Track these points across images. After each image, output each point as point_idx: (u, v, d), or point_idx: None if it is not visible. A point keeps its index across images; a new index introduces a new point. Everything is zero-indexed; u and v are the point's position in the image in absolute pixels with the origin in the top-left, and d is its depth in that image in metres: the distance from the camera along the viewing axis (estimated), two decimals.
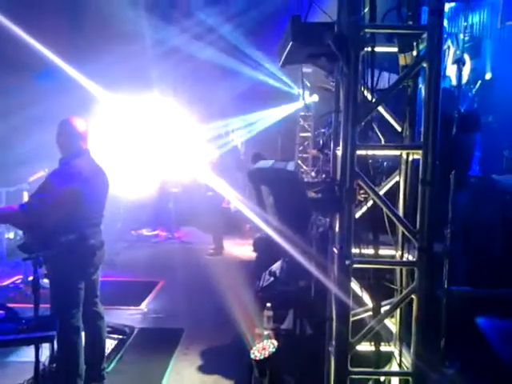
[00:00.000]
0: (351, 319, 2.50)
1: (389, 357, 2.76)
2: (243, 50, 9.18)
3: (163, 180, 9.57)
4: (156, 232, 9.75)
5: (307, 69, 7.20)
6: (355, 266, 2.47)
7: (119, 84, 7.60)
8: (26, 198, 6.50)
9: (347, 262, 2.39)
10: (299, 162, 9.52)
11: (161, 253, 8.58)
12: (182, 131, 9.65)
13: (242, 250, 8.56)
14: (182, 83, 8.69)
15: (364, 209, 2.59)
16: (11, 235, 7.49)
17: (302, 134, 9.69)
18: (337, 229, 2.54)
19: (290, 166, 2.29)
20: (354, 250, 2.53)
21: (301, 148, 9.64)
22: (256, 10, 7.79)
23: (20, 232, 5.37)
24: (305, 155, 9.48)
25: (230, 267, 7.26)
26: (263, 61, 9.47)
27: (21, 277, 6.10)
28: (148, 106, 8.95)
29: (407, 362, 2.62)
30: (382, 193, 2.62)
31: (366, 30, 2.36)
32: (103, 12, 6.72)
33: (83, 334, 3.69)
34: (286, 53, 2.38)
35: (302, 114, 9.59)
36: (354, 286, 2.60)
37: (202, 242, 9.05)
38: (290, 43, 2.20)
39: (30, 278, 5.76)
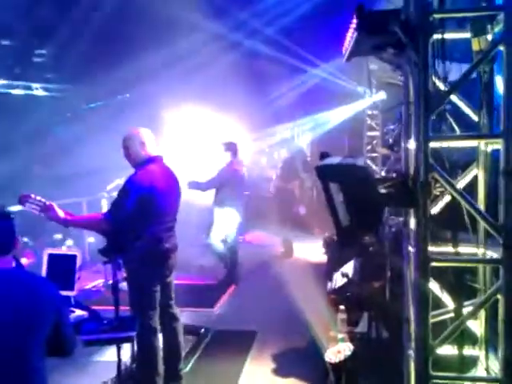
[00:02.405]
0: (431, 321, 2.38)
1: (474, 361, 2.59)
2: (303, 48, 9.12)
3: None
4: None
5: (373, 66, 7.02)
6: (434, 264, 2.34)
7: (185, 94, 7.84)
8: (104, 205, 6.86)
9: (425, 261, 2.28)
10: (368, 161, 9.28)
11: None
12: (249, 135, 9.77)
13: (312, 252, 8.48)
14: (245, 83, 8.77)
15: (441, 204, 2.47)
16: (91, 239, 7.89)
17: (369, 133, 9.44)
18: (412, 226, 2.43)
19: (360, 162, 2.22)
20: (432, 248, 2.41)
21: (369, 147, 9.39)
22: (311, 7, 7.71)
23: (100, 237, 5.67)
24: (373, 154, 9.23)
25: (300, 269, 7.22)
26: (325, 59, 9.36)
27: (102, 280, 6.41)
28: (216, 109, 9.13)
29: (495, 366, 2.45)
30: (459, 186, 2.47)
31: (435, 16, 2.24)
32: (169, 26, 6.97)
33: (161, 335, 3.80)
34: (351, 45, 2.31)
35: (369, 112, 9.35)
36: (433, 285, 2.48)
37: (271, 245, 9.07)
38: (356, 34, 2.14)
39: (111, 282, 6.09)
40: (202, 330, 5.10)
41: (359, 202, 2.06)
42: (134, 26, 7.14)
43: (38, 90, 9.23)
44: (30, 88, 9.14)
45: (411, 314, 2.54)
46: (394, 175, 6.10)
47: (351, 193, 2.05)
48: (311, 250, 8.68)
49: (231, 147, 6.60)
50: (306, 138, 11.33)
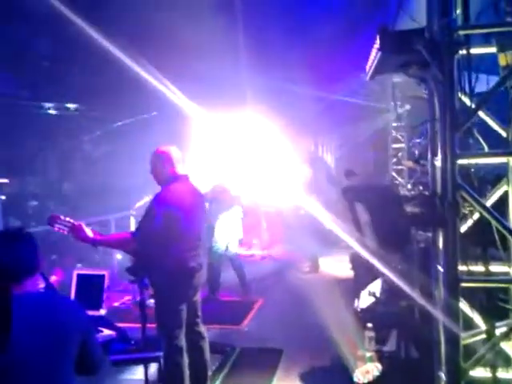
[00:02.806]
0: (462, 342, 2.31)
1: None
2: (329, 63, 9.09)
3: (255, 199, 9.71)
4: (252, 251, 9.88)
5: (397, 79, 6.98)
6: (464, 284, 2.28)
7: (214, 101, 7.89)
8: (132, 223, 6.95)
9: (455, 281, 2.22)
10: (394, 174, 9.16)
11: (257, 272, 8.63)
12: (273, 149, 9.78)
13: (339, 266, 8.37)
14: (273, 99, 8.79)
15: (470, 222, 2.41)
16: (119, 256, 7.97)
17: (394, 146, 9.34)
18: (440, 245, 2.38)
19: (386, 181, 2.19)
20: (461, 268, 2.35)
21: (394, 160, 9.28)
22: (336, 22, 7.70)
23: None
24: (399, 167, 9.12)
25: (326, 285, 7.13)
26: (349, 74, 9.33)
27: (130, 297, 6.47)
28: (241, 123, 9.18)
29: None
30: (489, 204, 2.41)
31: (460, 32, 2.21)
32: (198, 30, 7.01)
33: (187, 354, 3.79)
34: (374, 64, 2.30)
35: (394, 124, 9.26)
36: (463, 306, 2.41)
37: (296, 260, 9.01)
38: (379, 54, 2.13)
39: (138, 299, 6.15)
40: (228, 348, 5.07)
41: (386, 223, 2.03)
42: (158, 49, 7.26)
43: (69, 109, 9.50)
44: (61, 107, 9.42)
45: (441, 335, 2.47)
46: (421, 188, 6.02)
47: (377, 213, 2.03)
48: (337, 264, 8.57)
49: None
50: (331, 150, 11.30)
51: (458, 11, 2.34)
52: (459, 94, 2.29)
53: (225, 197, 6.91)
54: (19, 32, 6.77)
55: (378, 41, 2.10)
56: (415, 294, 2.76)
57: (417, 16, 2.34)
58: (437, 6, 2.17)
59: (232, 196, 7.03)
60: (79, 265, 7.06)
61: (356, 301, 4.78)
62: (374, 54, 2.22)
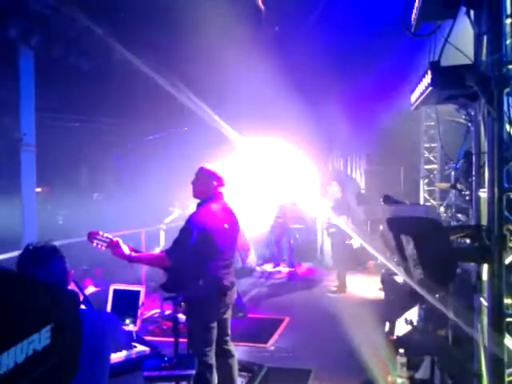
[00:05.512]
0: (507, 379, 2.26)
1: None
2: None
3: (285, 216, 9.71)
4: (279, 268, 9.87)
5: None
6: (509, 319, 2.24)
7: (247, 123, 7.97)
8: (162, 237, 7.03)
9: (500, 317, 2.18)
10: (425, 195, 9.04)
11: (284, 289, 8.62)
12: (302, 167, 9.81)
13: (367, 287, 8.28)
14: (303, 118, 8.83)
15: None
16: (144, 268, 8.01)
17: (426, 167, 9.22)
18: (484, 277, 2.34)
19: (432, 213, 2.18)
20: (506, 300, 2.30)
21: (426, 181, 9.16)
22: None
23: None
24: (431, 188, 8.99)
25: (355, 306, 7.05)
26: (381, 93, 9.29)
27: (158, 310, 6.53)
28: (272, 145, 9.24)
29: None
30: None
31: (510, 67, 2.20)
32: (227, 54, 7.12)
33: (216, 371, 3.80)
34: (422, 97, 2.31)
35: (427, 145, 9.16)
36: (508, 341, 2.35)
37: (323, 279, 8.97)
38: (430, 88, 2.14)
39: (167, 312, 6.21)
40: (256, 366, 5.05)
41: (432, 257, 2.02)
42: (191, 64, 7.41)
43: (101, 122, 9.75)
44: (94, 120, 9.67)
45: (483, 370, 2.42)
46: (454, 211, 5.93)
47: (423, 247, 2.02)
48: (365, 284, 8.49)
49: None
50: (359, 168, 11.24)
51: (508, 42, 2.33)
52: (508, 127, 2.27)
53: None
54: (58, 49, 7.01)
55: (429, 75, 2.11)
56: (454, 321, 2.71)
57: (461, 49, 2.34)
58: (486, 41, 2.17)
59: None
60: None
61: (387, 324, 4.71)
62: (424, 88, 2.23)
